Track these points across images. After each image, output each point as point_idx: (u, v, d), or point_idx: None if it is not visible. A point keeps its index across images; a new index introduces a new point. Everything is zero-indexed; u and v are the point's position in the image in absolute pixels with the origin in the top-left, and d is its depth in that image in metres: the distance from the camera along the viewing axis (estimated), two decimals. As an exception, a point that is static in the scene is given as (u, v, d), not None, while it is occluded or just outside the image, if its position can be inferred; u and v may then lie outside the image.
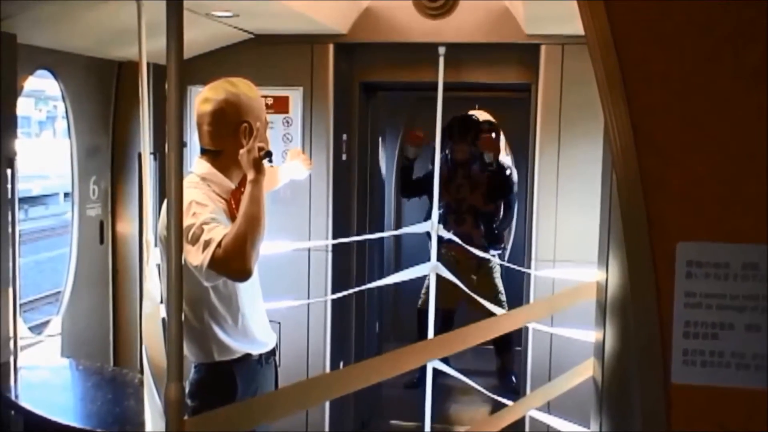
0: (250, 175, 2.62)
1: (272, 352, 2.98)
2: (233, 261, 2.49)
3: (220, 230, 2.54)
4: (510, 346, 5.78)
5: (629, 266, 1.34)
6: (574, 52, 4.26)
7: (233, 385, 2.80)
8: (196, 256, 2.52)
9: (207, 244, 2.51)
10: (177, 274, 1.51)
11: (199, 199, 2.65)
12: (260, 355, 2.90)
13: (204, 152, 2.83)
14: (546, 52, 4.34)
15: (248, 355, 2.85)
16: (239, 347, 2.82)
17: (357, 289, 4.47)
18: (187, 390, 2.69)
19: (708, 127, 1.30)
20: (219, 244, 2.49)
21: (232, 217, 2.69)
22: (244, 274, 2.55)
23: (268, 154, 2.72)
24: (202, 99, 2.79)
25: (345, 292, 4.38)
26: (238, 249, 2.48)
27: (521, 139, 4.95)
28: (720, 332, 1.32)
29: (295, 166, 3.41)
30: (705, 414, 1.34)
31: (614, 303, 1.62)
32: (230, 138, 2.75)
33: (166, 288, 1.55)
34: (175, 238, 1.51)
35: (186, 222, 2.53)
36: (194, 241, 2.54)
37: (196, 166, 2.83)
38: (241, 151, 2.66)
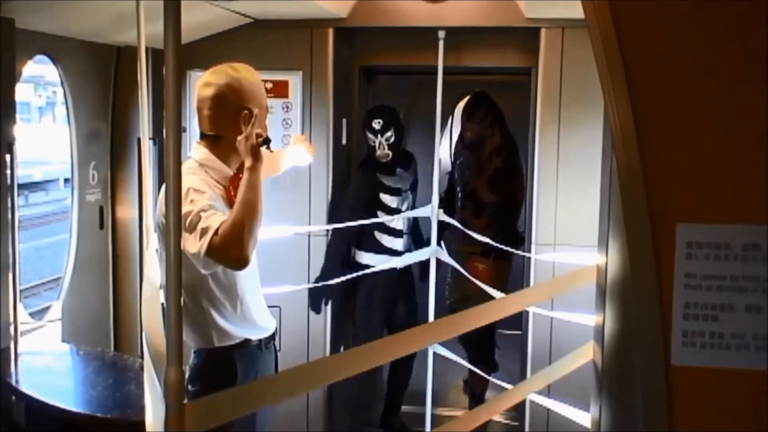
0: (248, 162, 2.60)
1: (272, 337, 2.98)
2: (230, 249, 2.47)
3: (218, 218, 2.52)
4: (488, 353, 5.21)
5: (629, 248, 1.33)
6: (574, 35, 4.24)
7: (233, 370, 2.80)
8: (193, 244, 2.51)
9: (204, 231, 2.49)
10: (176, 259, 1.51)
11: (197, 185, 2.64)
12: (260, 341, 2.90)
13: (203, 137, 2.81)
14: (546, 35, 4.32)
15: (248, 341, 2.85)
16: (239, 333, 2.82)
17: (357, 273, 4.47)
18: (187, 375, 2.70)
19: (710, 110, 1.29)
20: (216, 232, 2.47)
21: (230, 204, 2.67)
22: (241, 262, 2.53)
23: (267, 141, 2.71)
24: (203, 83, 2.77)
25: (345, 277, 4.38)
26: (236, 237, 2.46)
27: (521, 123, 4.93)
28: (720, 314, 1.32)
29: (298, 152, 3.40)
30: (705, 395, 1.34)
31: (614, 286, 1.62)
32: (230, 123, 2.73)
33: (165, 273, 1.55)
34: (174, 222, 1.51)
35: (184, 209, 2.52)
36: (191, 228, 2.52)
37: (195, 151, 2.82)
38: (239, 138, 2.64)
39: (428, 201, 4.40)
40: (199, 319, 2.77)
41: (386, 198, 4.63)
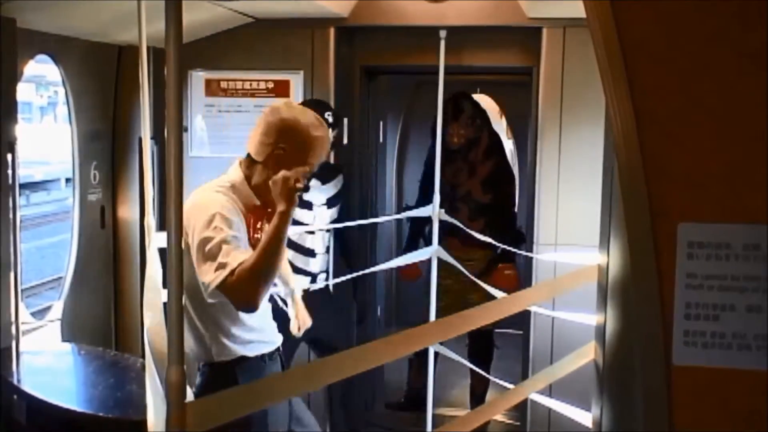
0: (281, 206, 2.51)
1: (277, 349, 2.95)
2: (243, 293, 2.46)
3: (238, 255, 2.48)
4: (488, 357, 5.17)
5: (630, 248, 1.33)
6: (575, 35, 4.24)
7: (235, 384, 2.73)
8: (207, 274, 2.48)
9: (221, 266, 2.46)
10: (177, 258, 1.51)
11: (226, 212, 2.59)
12: (263, 354, 2.85)
13: (248, 157, 2.78)
14: (548, 35, 4.32)
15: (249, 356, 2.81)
16: (239, 350, 2.77)
17: (358, 273, 4.46)
18: (194, 393, 2.67)
19: (710, 108, 1.29)
20: (233, 272, 2.44)
21: (248, 236, 2.66)
22: (250, 307, 2.52)
23: (305, 189, 2.61)
24: (270, 109, 2.78)
25: (346, 277, 4.38)
26: (251, 283, 2.44)
27: (523, 122, 4.93)
28: (721, 313, 1.32)
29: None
30: (706, 395, 1.34)
31: (615, 286, 1.62)
32: (272, 155, 2.71)
33: (167, 273, 1.55)
34: (175, 223, 1.51)
35: (206, 233, 2.51)
36: (210, 257, 2.49)
37: (233, 170, 2.78)
38: (276, 177, 2.55)
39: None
40: (201, 335, 2.74)
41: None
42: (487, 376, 4.42)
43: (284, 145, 2.70)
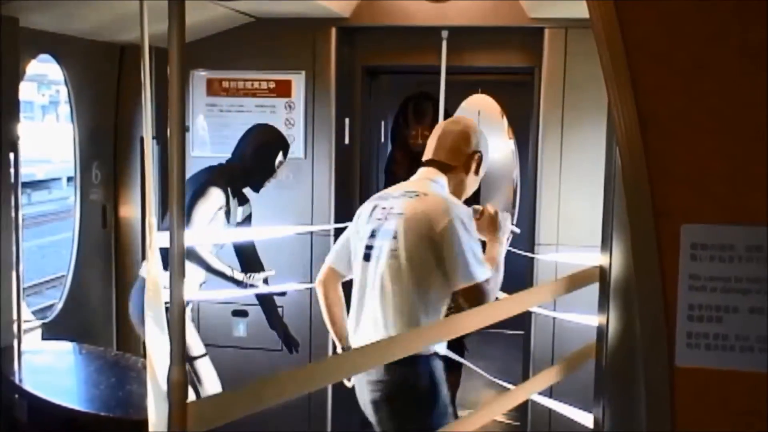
0: (495, 238, 2.98)
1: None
2: (490, 297, 2.82)
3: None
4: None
5: (634, 249, 1.33)
6: (577, 35, 4.24)
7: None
8: (485, 273, 2.81)
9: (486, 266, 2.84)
10: (180, 259, 1.51)
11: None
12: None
13: (433, 164, 3.05)
14: (549, 35, 4.32)
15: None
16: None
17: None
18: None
19: (715, 109, 1.29)
20: (487, 280, 2.81)
21: None
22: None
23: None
24: (451, 121, 3.24)
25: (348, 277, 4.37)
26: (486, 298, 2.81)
27: (524, 123, 4.92)
28: (724, 315, 1.31)
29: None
30: (709, 397, 1.34)
31: (617, 287, 1.62)
32: (462, 159, 3.03)
33: (170, 273, 1.54)
34: (177, 220, 1.50)
35: (472, 236, 2.84)
36: (480, 259, 2.83)
37: (440, 179, 3.03)
38: (488, 213, 3.00)
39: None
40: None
41: None
42: (488, 376, 4.40)
43: (479, 150, 3.06)
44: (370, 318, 2.91)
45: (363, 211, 3.08)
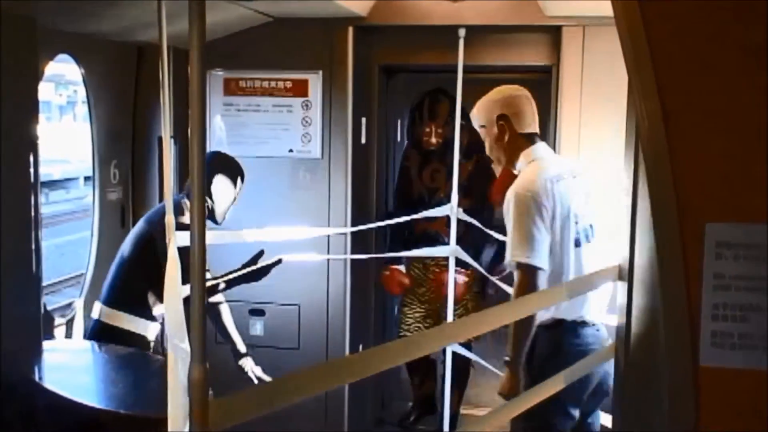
0: None
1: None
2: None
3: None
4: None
5: (658, 248, 1.32)
6: (595, 33, 4.23)
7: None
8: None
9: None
10: (201, 257, 1.51)
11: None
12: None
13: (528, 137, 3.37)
14: (567, 33, 4.31)
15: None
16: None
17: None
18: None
19: (739, 106, 1.28)
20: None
21: None
22: None
23: None
24: (513, 89, 3.48)
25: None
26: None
27: (542, 121, 4.90)
28: (749, 314, 1.30)
29: None
30: (734, 397, 1.33)
31: (640, 286, 1.61)
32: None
33: (190, 270, 1.54)
34: (198, 218, 1.50)
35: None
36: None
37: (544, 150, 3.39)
38: None
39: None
40: None
41: None
42: (500, 373, 4.38)
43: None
44: None
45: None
